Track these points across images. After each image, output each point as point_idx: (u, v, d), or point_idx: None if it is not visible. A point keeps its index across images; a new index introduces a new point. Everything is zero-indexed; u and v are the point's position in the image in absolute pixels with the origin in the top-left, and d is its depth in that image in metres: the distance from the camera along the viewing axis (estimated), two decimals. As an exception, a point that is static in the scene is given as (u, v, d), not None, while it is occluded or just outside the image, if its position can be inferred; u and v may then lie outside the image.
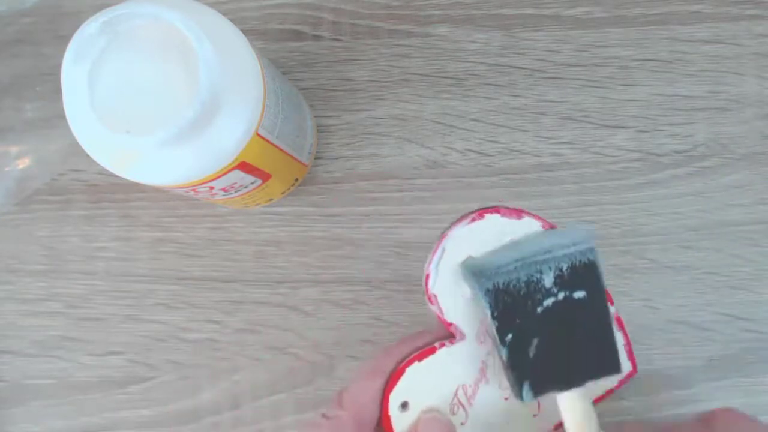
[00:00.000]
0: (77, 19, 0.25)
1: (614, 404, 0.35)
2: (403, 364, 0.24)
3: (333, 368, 0.36)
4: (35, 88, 0.37)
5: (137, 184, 0.27)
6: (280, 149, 0.30)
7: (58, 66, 0.24)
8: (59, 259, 0.37)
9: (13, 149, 0.36)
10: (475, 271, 0.24)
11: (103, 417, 0.36)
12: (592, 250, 0.25)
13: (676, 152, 0.37)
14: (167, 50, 0.24)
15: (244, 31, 0.27)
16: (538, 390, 0.24)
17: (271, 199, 0.35)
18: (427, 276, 0.25)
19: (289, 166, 0.33)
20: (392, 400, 0.24)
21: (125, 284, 0.37)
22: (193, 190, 0.28)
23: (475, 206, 0.25)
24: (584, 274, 0.25)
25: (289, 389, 0.36)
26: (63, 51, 0.24)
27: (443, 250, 0.25)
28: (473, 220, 0.25)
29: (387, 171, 0.37)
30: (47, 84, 0.37)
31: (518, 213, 0.25)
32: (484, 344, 0.25)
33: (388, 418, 0.24)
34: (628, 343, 0.28)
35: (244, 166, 0.28)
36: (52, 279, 0.37)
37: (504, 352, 0.24)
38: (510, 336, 0.24)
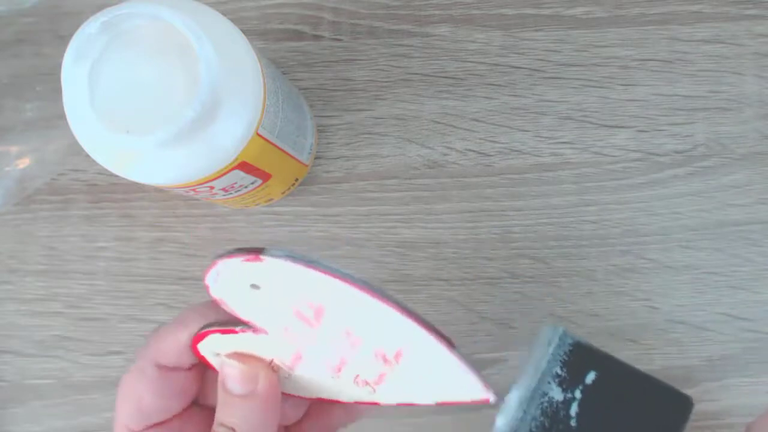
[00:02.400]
0: (77, 19, 0.25)
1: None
2: (206, 330, 0.23)
3: (333, 368, 0.36)
4: (35, 88, 0.37)
5: (137, 184, 0.27)
6: (280, 149, 0.30)
7: (58, 66, 0.24)
8: (59, 259, 0.37)
9: (13, 149, 0.36)
10: None
11: (103, 417, 0.36)
12: (565, 335, 0.24)
13: (676, 152, 0.37)
14: (167, 50, 0.24)
15: (244, 31, 0.27)
16: None
17: (271, 199, 0.35)
18: (207, 287, 0.22)
19: (289, 166, 0.33)
20: (201, 350, 0.24)
21: (125, 284, 0.37)
22: (193, 190, 0.28)
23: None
24: (579, 359, 0.23)
25: (289, 389, 0.36)
26: (63, 51, 0.24)
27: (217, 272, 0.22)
28: (249, 260, 0.22)
29: (387, 171, 0.37)
30: (47, 84, 0.37)
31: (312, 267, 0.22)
32: (294, 343, 0.23)
33: (204, 359, 0.24)
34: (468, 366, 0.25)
35: (244, 166, 0.28)
36: (52, 279, 0.37)
37: None
38: None
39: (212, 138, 0.25)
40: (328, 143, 0.37)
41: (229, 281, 0.22)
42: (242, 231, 0.37)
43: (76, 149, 0.26)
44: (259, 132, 0.27)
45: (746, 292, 0.36)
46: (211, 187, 0.28)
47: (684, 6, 0.37)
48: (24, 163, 0.36)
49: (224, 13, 0.27)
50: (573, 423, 0.23)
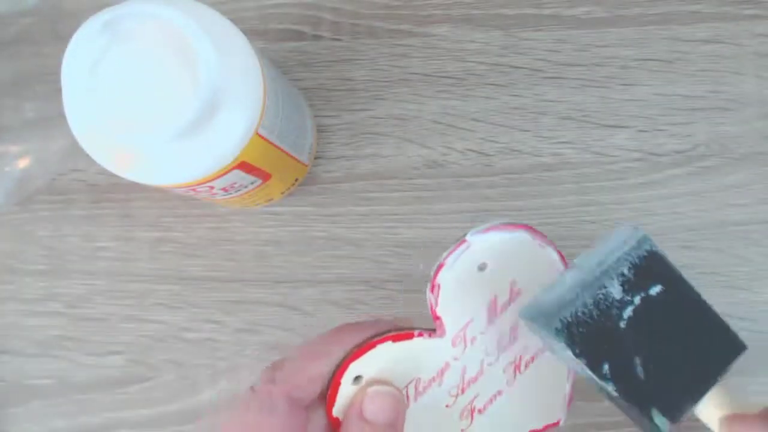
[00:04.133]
0: (77, 19, 0.25)
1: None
2: (377, 339, 0.23)
3: (333, 368, 0.36)
4: (35, 88, 0.37)
5: (137, 184, 0.27)
6: (280, 149, 0.30)
7: (58, 66, 0.24)
8: (59, 259, 0.37)
9: (13, 149, 0.36)
10: (535, 316, 0.22)
11: (103, 417, 0.36)
12: (645, 240, 0.22)
13: (676, 152, 0.37)
14: (167, 50, 0.24)
15: (244, 31, 0.27)
16: (674, 412, 0.21)
17: (271, 199, 0.35)
18: (441, 265, 0.24)
19: (289, 166, 0.33)
20: (350, 370, 0.23)
21: (125, 284, 0.37)
22: (193, 190, 0.28)
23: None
24: (650, 267, 0.22)
25: (289, 389, 0.36)
26: (63, 51, 0.24)
27: (468, 245, 0.24)
28: (508, 229, 0.24)
29: (387, 171, 0.37)
30: (47, 84, 0.37)
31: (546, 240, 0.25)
32: (457, 347, 0.25)
33: (336, 386, 0.23)
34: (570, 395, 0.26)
35: (244, 166, 0.28)
36: (52, 279, 0.37)
37: (611, 386, 0.21)
38: (606, 366, 0.21)
39: (212, 138, 0.25)
40: (328, 143, 0.37)
41: (466, 259, 0.23)
42: (242, 231, 0.37)
43: (76, 149, 0.26)
44: (259, 132, 0.27)
45: (746, 292, 0.36)
46: (211, 187, 0.28)
47: (684, 6, 0.37)
48: (24, 163, 0.36)
49: (224, 13, 0.27)
50: (622, 325, 0.21)
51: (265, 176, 0.31)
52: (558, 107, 0.37)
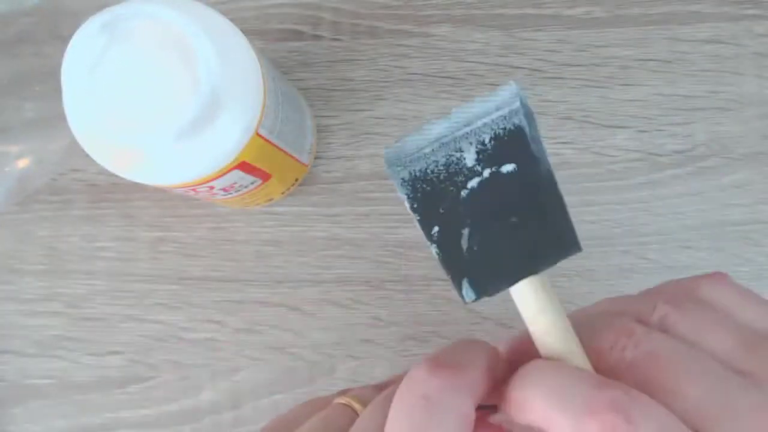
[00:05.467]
0: (77, 19, 0.25)
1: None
2: None
3: (333, 368, 0.36)
4: (35, 88, 0.37)
5: (137, 184, 0.27)
6: (280, 149, 0.30)
7: (58, 66, 0.24)
8: (59, 259, 0.37)
9: (13, 149, 0.36)
10: (389, 160, 0.21)
11: (103, 417, 0.36)
12: (515, 111, 0.20)
13: (676, 152, 0.37)
14: (167, 50, 0.24)
15: (244, 31, 0.27)
16: (481, 287, 0.21)
17: (271, 199, 0.35)
18: None
19: (289, 166, 0.33)
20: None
21: (125, 284, 0.37)
22: (193, 190, 0.28)
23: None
24: (511, 143, 0.21)
25: (289, 389, 0.36)
26: (63, 51, 0.24)
27: None
28: None
29: (387, 171, 0.37)
30: (47, 84, 0.37)
31: None
32: None
33: None
34: None
35: (244, 166, 0.28)
36: (52, 279, 0.37)
37: (434, 248, 0.21)
38: (436, 229, 0.21)
39: (212, 138, 0.25)
40: (328, 143, 0.37)
41: None
42: (242, 231, 0.37)
43: (76, 149, 0.26)
44: (259, 132, 0.27)
45: (746, 292, 0.36)
46: (211, 187, 0.28)
47: (684, 6, 0.37)
48: (24, 163, 0.36)
49: (224, 13, 0.27)
50: (463, 194, 0.21)
51: (265, 176, 0.31)
52: (558, 107, 0.37)
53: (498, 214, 0.21)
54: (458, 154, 0.21)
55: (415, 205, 0.21)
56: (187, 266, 0.37)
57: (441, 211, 0.21)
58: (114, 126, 0.24)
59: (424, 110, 0.37)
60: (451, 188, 0.21)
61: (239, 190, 0.31)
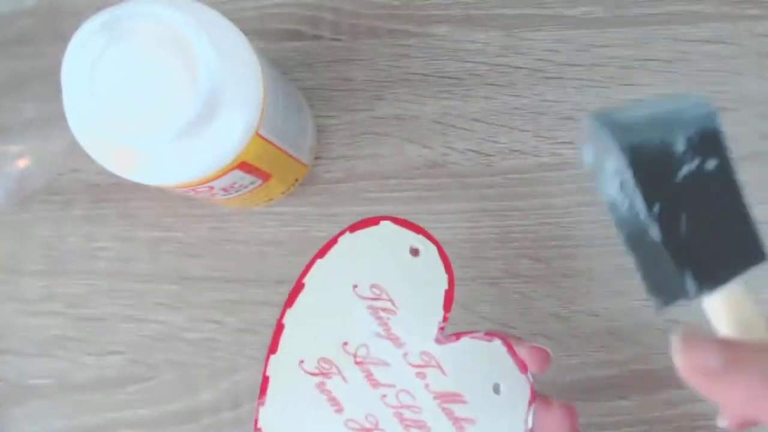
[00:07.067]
0: (77, 19, 0.25)
1: (613, 404, 0.35)
2: None
3: (333, 368, 0.36)
4: (35, 88, 0.37)
5: (137, 184, 0.27)
6: (280, 149, 0.30)
7: (58, 66, 0.24)
8: (59, 259, 0.37)
9: (13, 149, 0.36)
10: (608, 124, 0.20)
11: (103, 417, 0.36)
12: (713, 116, 0.21)
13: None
14: (167, 50, 0.24)
15: (244, 31, 0.27)
16: (703, 280, 0.20)
17: (271, 199, 0.35)
18: None
19: (289, 166, 0.33)
20: None
21: (125, 284, 0.37)
22: (193, 190, 0.28)
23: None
24: (712, 142, 0.21)
25: (289, 389, 0.36)
26: (63, 51, 0.24)
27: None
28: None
29: (387, 171, 0.37)
30: (47, 84, 0.37)
31: None
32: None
33: None
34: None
35: (244, 166, 0.28)
36: (52, 279, 0.37)
37: (655, 229, 0.19)
38: (658, 206, 0.19)
39: (212, 138, 0.25)
40: (328, 143, 0.37)
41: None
42: (242, 231, 0.37)
43: (76, 149, 0.26)
44: (259, 132, 0.27)
45: (746, 292, 0.36)
46: (211, 187, 0.28)
47: (685, 6, 0.37)
48: (24, 163, 0.36)
49: (224, 13, 0.27)
50: (678, 177, 0.20)
51: (265, 176, 0.31)
52: (558, 107, 0.37)
53: (706, 208, 0.20)
54: (670, 137, 0.20)
55: (638, 177, 0.19)
56: (187, 266, 0.37)
57: (661, 188, 0.20)
58: (114, 126, 0.24)
59: (424, 110, 0.37)
60: (667, 169, 0.20)
61: (239, 190, 0.31)
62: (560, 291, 0.36)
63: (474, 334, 0.25)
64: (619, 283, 0.36)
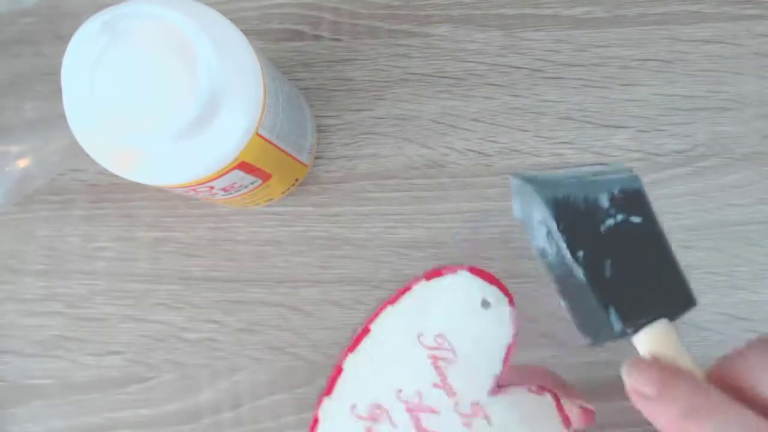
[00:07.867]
0: (77, 19, 0.25)
1: (613, 404, 0.35)
2: None
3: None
4: (35, 88, 0.37)
5: (137, 184, 0.27)
6: (281, 149, 0.30)
7: (58, 66, 0.24)
8: (59, 259, 0.37)
9: (13, 149, 0.36)
10: (531, 180, 0.22)
11: (103, 417, 0.36)
12: (636, 178, 0.23)
13: (676, 152, 0.37)
14: (167, 50, 0.24)
15: (244, 31, 0.27)
16: (628, 318, 0.21)
17: (271, 199, 0.35)
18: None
19: (289, 166, 0.33)
20: None
21: (125, 284, 0.37)
22: (193, 190, 0.28)
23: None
24: (635, 200, 0.23)
25: (289, 389, 0.36)
26: (63, 51, 0.24)
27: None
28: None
29: (387, 171, 0.37)
30: (47, 84, 0.37)
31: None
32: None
33: None
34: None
35: (244, 166, 0.28)
36: (52, 279, 0.37)
37: (581, 272, 0.21)
38: (582, 253, 0.21)
39: (212, 138, 0.25)
40: (328, 143, 0.37)
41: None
42: (242, 231, 0.37)
43: (76, 149, 0.26)
44: (259, 132, 0.27)
45: (746, 292, 0.36)
46: (211, 187, 0.28)
47: (684, 6, 0.37)
48: (24, 163, 0.36)
49: (224, 13, 0.27)
50: (602, 229, 0.22)
51: (265, 176, 0.31)
52: (558, 107, 0.37)
53: (632, 258, 0.22)
54: (594, 194, 0.22)
55: (562, 226, 0.21)
56: (187, 266, 0.37)
57: (585, 236, 0.22)
58: (114, 126, 0.24)
59: (424, 110, 0.37)
60: (591, 220, 0.22)
61: (239, 190, 0.31)
62: (560, 291, 0.36)
63: (527, 387, 0.25)
64: (619, 283, 0.36)
